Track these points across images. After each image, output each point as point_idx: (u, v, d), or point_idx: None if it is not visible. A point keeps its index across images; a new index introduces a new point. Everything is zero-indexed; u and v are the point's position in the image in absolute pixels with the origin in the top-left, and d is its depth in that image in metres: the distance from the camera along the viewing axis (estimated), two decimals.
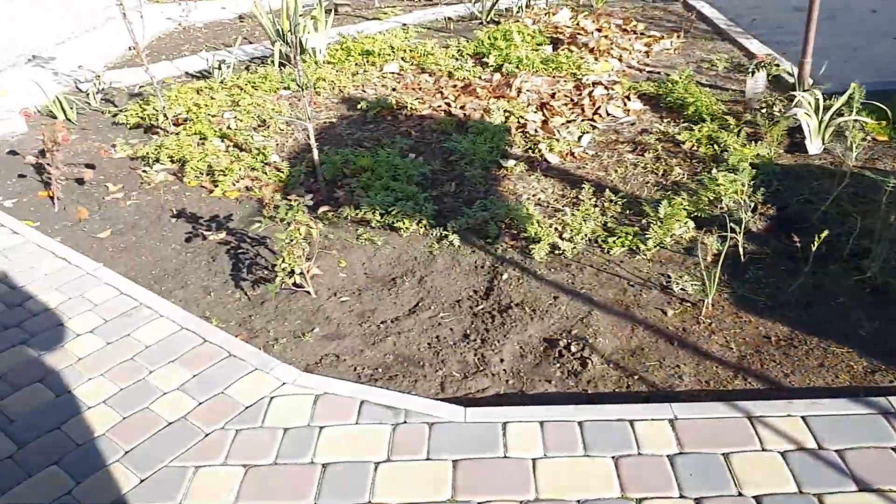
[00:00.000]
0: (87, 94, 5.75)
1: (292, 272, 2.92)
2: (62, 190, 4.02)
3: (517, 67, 5.56)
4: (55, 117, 5.28)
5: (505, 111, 4.78)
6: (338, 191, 3.96)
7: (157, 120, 4.97)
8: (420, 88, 5.44)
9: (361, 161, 4.04)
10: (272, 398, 2.42)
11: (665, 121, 4.69)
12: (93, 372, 2.56)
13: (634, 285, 3.05)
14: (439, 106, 5.08)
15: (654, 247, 3.25)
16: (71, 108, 5.25)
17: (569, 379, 2.57)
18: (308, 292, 3.04)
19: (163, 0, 9.93)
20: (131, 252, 3.46)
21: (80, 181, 4.19)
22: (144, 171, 4.26)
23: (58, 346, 2.70)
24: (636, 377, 2.56)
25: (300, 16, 5.98)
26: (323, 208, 3.74)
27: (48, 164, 3.96)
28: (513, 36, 6.12)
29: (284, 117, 4.92)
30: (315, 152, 3.78)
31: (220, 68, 5.92)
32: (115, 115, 5.33)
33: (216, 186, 4.02)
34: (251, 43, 7.12)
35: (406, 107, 5.05)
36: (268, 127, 4.81)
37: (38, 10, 6.79)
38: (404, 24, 7.31)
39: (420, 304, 3.00)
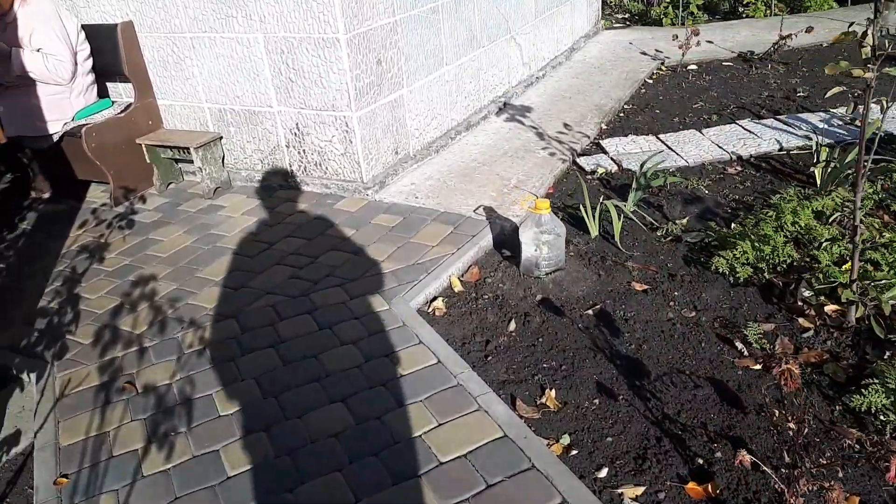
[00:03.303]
0: (596, 177, 3.74)
1: None
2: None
3: None
4: (580, 227, 3.32)
5: None
6: None
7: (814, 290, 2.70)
8: None
9: None
10: None
11: None
12: None
13: None
14: None
15: None
16: (618, 219, 3.23)
17: None
18: None
19: (620, 24, 8.00)
20: None
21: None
22: (874, 441, 1.96)
23: None
24: None
25: None
26: None
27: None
28: None
29: None
30: None
31: (832, 163, 3.50)
32: (672, 238, 3.21)
33: None
34: (793, 102, 4.64)
35: None
36: None
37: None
38: None
39: None
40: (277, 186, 4.04)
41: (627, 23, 8.21)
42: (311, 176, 3.96)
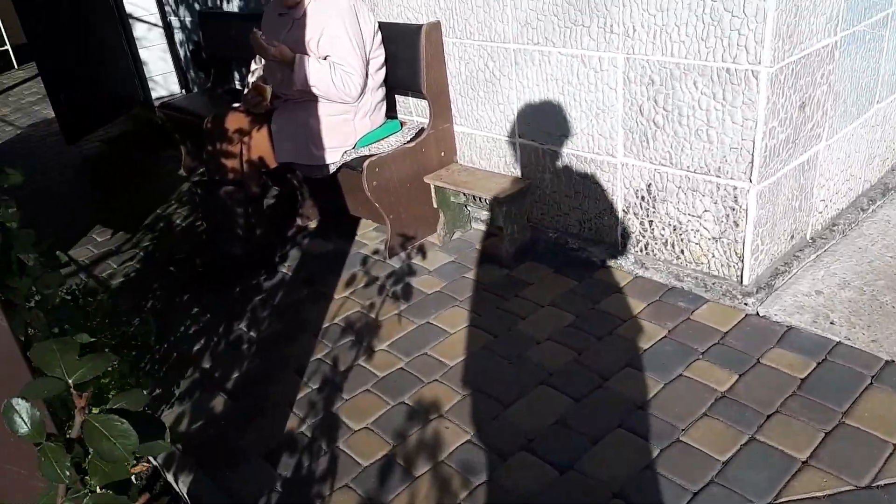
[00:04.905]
0: None
1: None
2: None
3: None
4: None
5: None
6: None
7: None
8: None
9: None
10: None
11: None
12: None
13: None
14: None
15: None
16: None
17: None
18: None
19: None
20: None
21: None
22: None
23: None
24: None
25: None
26: None
27: None
28: None
29: None
30: None
31: None
32: None
33: None
34: None
35: None
36: None
37: None
38: None
39: None
40: (598, 262, 2.88)
41: None
42: (652, 258, 2.74)
